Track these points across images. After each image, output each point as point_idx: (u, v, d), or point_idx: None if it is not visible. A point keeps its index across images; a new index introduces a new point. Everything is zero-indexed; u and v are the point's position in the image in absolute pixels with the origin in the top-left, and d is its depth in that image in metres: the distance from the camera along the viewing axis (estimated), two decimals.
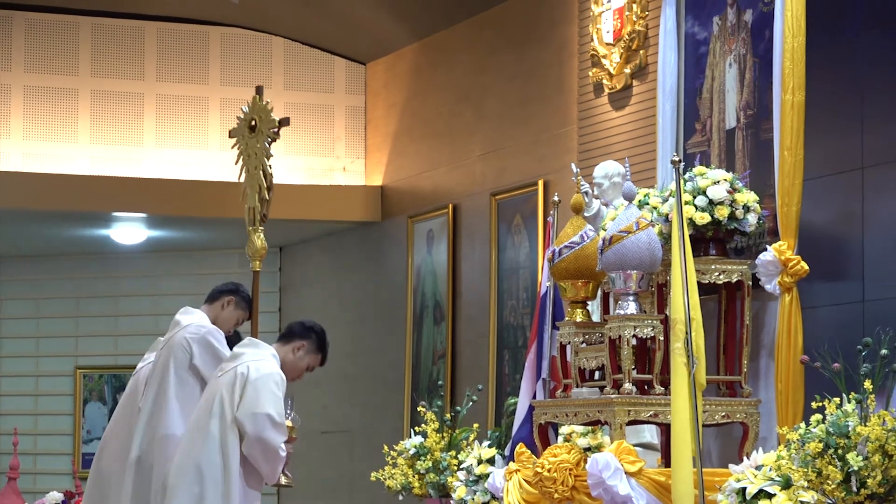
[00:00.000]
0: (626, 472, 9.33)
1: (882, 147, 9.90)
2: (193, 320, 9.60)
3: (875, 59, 10.00)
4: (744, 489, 8.31)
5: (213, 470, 8.85)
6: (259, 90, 9.84)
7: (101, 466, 9.81)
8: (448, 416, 11.38)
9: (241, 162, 9.81)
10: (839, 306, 10.02)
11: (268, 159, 9.67)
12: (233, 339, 9.80)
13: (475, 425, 11.63)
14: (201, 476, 8.87)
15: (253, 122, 9.73)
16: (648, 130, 12.19)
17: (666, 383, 9.74)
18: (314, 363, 9.40)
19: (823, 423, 7.83)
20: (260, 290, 19.23)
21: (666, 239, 9.84)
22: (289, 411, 9.38)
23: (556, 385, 10.65)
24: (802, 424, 8.01)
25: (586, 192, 10.80)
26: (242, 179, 9.75)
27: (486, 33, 15.56)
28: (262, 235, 9.66)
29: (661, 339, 9.76)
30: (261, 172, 9.64)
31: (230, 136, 9.96)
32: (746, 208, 10.07)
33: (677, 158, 9.62)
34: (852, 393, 7.81)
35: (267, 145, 9.66)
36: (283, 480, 9.22)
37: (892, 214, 9.81)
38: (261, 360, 8.99)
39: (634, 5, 12.89)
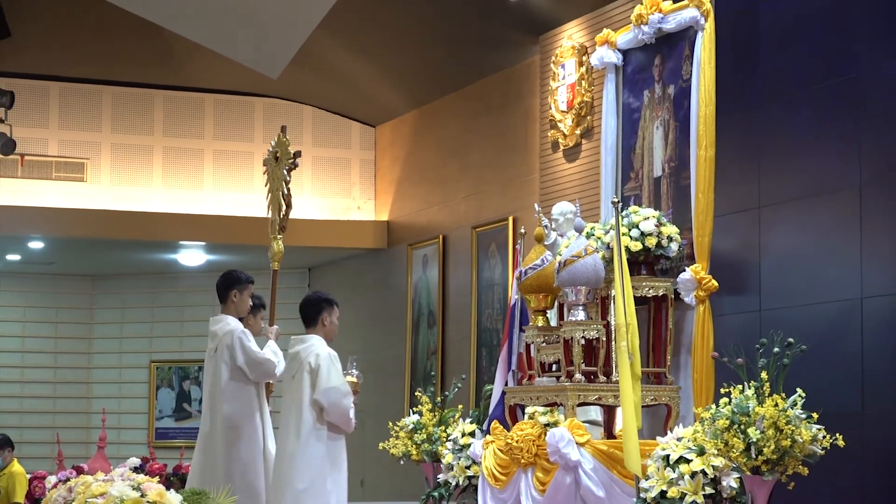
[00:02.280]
0: (576, 443, 9.30)
1: (774, 191, 9.90)
2: (223, 328, 9.29)
3: (770, 125, 10.01)
4: (668, 456, 8.28)
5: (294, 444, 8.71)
6: (283, 129, 9.80)
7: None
8: (439, 399, 11.34)
9: (267, 185, 9.78)
10: (741, 314, 10.01)
11: (286, 183, 9.62)
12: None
13: (460, 406, 11.59)
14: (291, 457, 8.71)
15: (277, 155, 9.71)
16: (594, 178, 12.18)
17: (608, 374, 9.73)
18: (337, 315, 9.18)
19: (729, 404, 7.81)
20: (292, 301, 19.27)
21: (608, 262, 9.83)
22: (353, 370, 9.25)
23: (522, 375, 10.63)
24: (713, 406, 8.00)
25: (546, 226, 10.78)
26: (268, 198, 9.70)
27: (470, 103, 15.56)
28: (280, 242, 9.59)
29: (604, 339, 9.73)
30: (280, 194, 9.60)
31: (263, 165, 9.93)
32: (670, 238, 10.06)
33: (616, 200, 9.62)
34: (752, 381, 7.80)
35: (286, 172, 9.63)
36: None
37: (782, 243, 9.82)
38: (312, 349, 8.81)
39: (583, 81, 12.89)
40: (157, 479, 7.26)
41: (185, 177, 17.30)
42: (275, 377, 9.34)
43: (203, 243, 17.42)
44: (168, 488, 7.08)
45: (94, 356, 19.66)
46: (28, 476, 12.77)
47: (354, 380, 9.25)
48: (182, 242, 17.41)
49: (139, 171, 17.16)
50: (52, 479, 11.77)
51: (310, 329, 9.06)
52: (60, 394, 19.47)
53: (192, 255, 18.20)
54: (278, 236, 9.57)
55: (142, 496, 6.84)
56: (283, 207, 9.59)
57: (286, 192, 9.61)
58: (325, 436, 8.68)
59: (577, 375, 9.64)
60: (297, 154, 9.71)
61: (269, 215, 9.69)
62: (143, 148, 17.20)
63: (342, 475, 8.81)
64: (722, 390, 8.00)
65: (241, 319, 9.55)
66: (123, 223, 16.61)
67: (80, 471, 11.65)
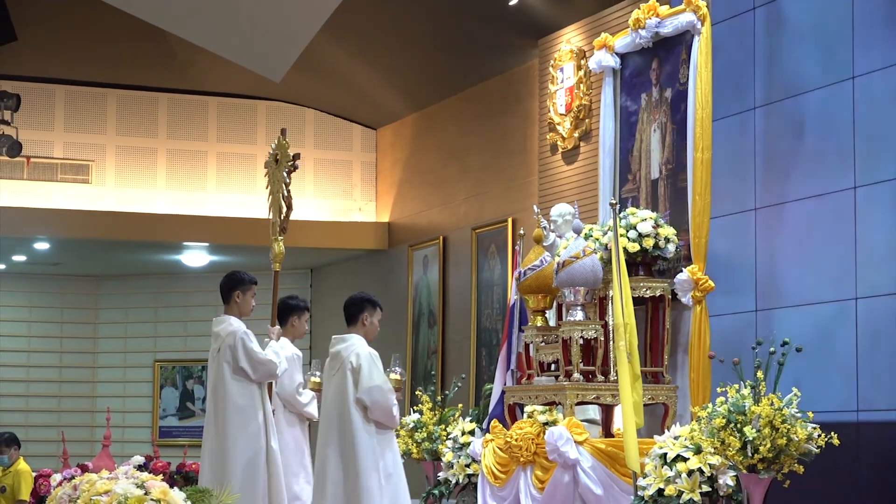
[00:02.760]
0: (575, 441, 9.31)
1: (770, 193, 9.91)
2: (226, 328, 9.31)
3: (766, 128, 10.02)
4: (665, 454, 8.29)
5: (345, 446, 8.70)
6: (283, 132, 9.79)
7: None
8: (439, 398, 11.35)
9: (268, 188, 9.77)
10: (737, 314, 10.02)
11: (286, 185, 9.62)
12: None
13: (460, 405, 11.60)
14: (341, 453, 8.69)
15: (277, 157, 9.70)
16: (592, 180, 12.19)
17: (606, 373, 9.73)
18: (379, 316, 9.19)
19: (726, 403, 7.82)
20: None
21: (606, 263, 9.84)
22: (396, 368, 9.32)
23: (521, 374, 10.63)
24: (710, 405, 8.00)
25: (545, 227, 10.79)
26: (269, 200, 9.69)
27: (469, 105, 15.57)
28: (281, 243, 9.59)
29: (602, 339, 9.74)
30: (280, 195, 9.60)
31: (264, 167, 9.93)
32: (667, 240, 10.06)
33: (614, 201, 9.62)
34: (748, 381, 7.81)
35: (286, 174, 9.63)
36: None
37: (777, 245, 9.83)
38: (353, 348, 8.77)
39: (581, 85, 12.90)
40: (160, 477, 7.26)
41: (189, 179, 17.31)
42: (276, 377, 9.35)
43: (206, 244, 17.43)
44: (172, 486, 7.08)
45: (98, 356, 19.67)
46: (33, 474, 12.78)
47: (398, 377, 9.31)
48: (186, 243, 17.41)
49: (143, 172, 17.17)
50: (57, 477, 11.78)
51: (350, 328, 9.03)
52: (65, 393, 19.48)
53: (195, 256, 18.21)
54: (279, 238, 9.57)
55: (146, 494, 6.85)
56: (284, 209, 9.59)
57: (286, 193, 9.61)
58: (374, 432, 8.67)
59: (576, 375, 9.64)
60: (297, 156, 9.72)
61: (270, 217, 9.69)
62: (147, 150, 17.21)
63: (399, 468, 8.79)
64: (718, 389, 8.01)
65: (286, 330, 9.64)
66: (128, 224, 16.62)
67: (84, 469, 11.66)
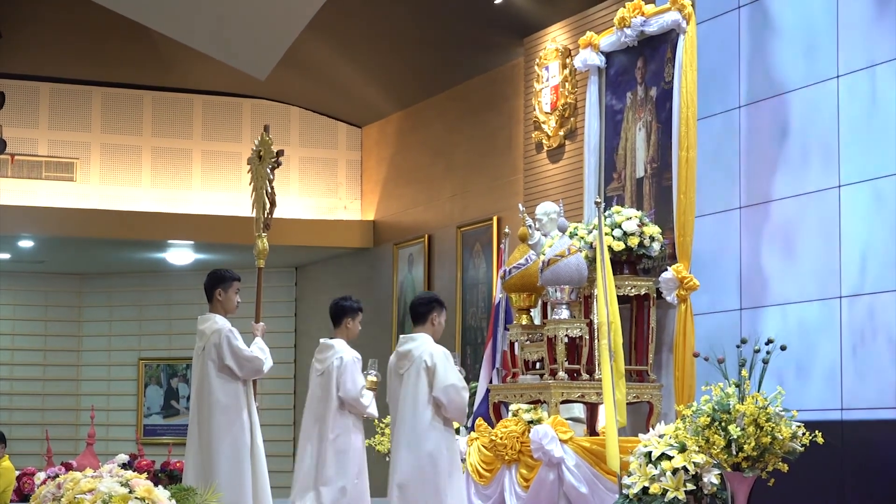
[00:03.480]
0: (559, 440, 9.31)
1: (755, 192, 9.92)
2: (211, 326, 9.28)
3: (751, 127, 10.03)
4: (650, 452, 8.29)
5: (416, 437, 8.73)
6: (266, 129, 9.77)
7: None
8: None
9: (252, 184, 9.75)
10: (722, 313, 10.03)
11: (270, 182, 9.60)
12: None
13: None
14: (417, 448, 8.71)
15: (261, 154, 9.68)
16: (577, 179, 12.19)
17: (591, 371, 9.74)
18: (445, 317, 9.21)
19: (710, 402, 7.82)
20: (280, 300, 19.27)
21: (591, 261, 9.84)
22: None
23: (506, 373, 10.63)
24: (694, 403, 8.00)
25: (530, 226, 10.78)
26: (253, 197, 9.67)
27: (455, 104, 15.57)
28: (265, 240, 9.56)
29: (587, 337, 9.74)
30: (264, 192, 9.57)
31: (247, 164, 9.89)
32: (652, 238, 10.06)
33: (599, 200, 9.63)
34: (732, 379, 7.81)
35: (269, 171, 9.60)
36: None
37: (762, 243, 9.83)
38: (425, 347, 8.79)
39: (567, 83, 12.90)
40: (145, 475, 7.24)
41: (174, 176, 17.28)
42: (262, 374, 9.32)
43: (191, 242, 17.40)
44: (156, 484, 7.05)
45: (83, 354, 19.62)
46: (17, 472, 12.73)
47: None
48: (170, 241, 17.38)
49: (128, 170, 17.14)
50: (41, 476, 11.74)
51: (418, 327, 9.02)
52: (50, 391, 19.43)
53: (180, 254, 18.18)
54: (263, 234, 9.54)
55: (130, 492, 6.82)
56: (268, 206, 9.56)
57: (270, 190, 9.58)
58: (441, 428, 8.71)
59: (561, 373, 9.64)
60: (280, 153, 9.69)
61: (254, 214, 9.66)
62: (132, 148, 17.18)
63: (459, 465, 8.81)
64: (703, 388, 8.01)
65: (339, 331, 9.73)
66: (112, 222, 16.59)
67: (68, 467, 11.62)
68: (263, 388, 10.85)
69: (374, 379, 9.54)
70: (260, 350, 9.22)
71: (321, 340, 9.81)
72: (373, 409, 9.64)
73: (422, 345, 8.79)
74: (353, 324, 9.81)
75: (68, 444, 18.19)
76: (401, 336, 9.14)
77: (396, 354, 8.98)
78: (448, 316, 15.03)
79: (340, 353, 9.63)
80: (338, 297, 10.08)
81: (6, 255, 18.18)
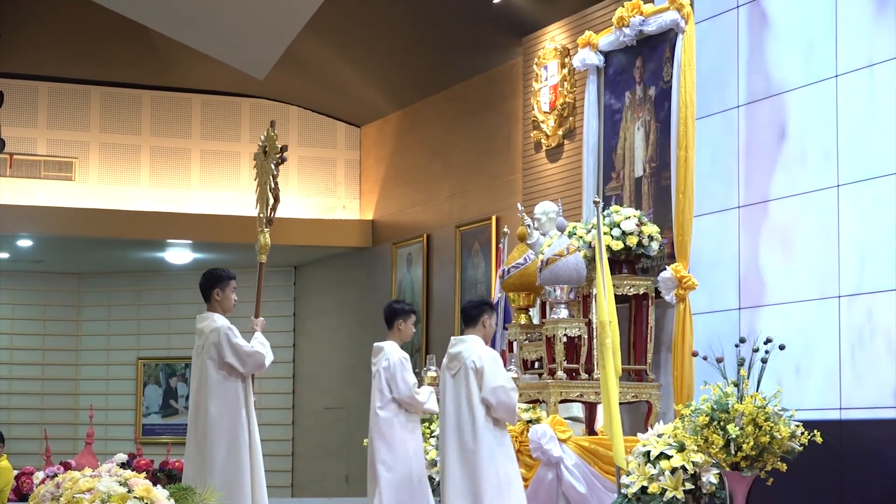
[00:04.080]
0: (558, 439, 9.31)
1: (752, 192, 9.92)
2: (210, 325, 9.27)
3: (749, 126, 10.03)
4: (648, 452, 8.29)
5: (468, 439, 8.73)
6: (272, 124, 9.75)
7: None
8: None
9: (256, 179, 9.74)
10: (721, 312, 10.03)
11: (274, 178, 9.58)
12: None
13: None
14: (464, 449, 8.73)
15: (266, 149, 9.67)
16: (576, 178, 12.19)
17: (589, 371, 9.74)
18: (495, 319, 9.23)
19: (709, 401, 7.82)
20: (278, 299, 19.25)
21: (589, 261, 9.84)
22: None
23: None
24: (693, 403, 8.00)
25: (528, 225, 10.79)
26: (257, 192, 9.66)
27: (453, 104, 15.56)
28: (267, 235, 9.54)
29: (586, 337, 9.74)
30: (268, 187, 9.56)
31: (254, 160, 9.88)
32: (650, 238, 10.07)
33: (598, 199, 9.63)
34: (731, 379, 7.81)
35: (273, 166, 9.58)
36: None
37: (761, 243, 9.83)
38: (474, 349, 8.85)
39: (565, 83, 12.90)
40: (143, 474, 7.24)
41: (173, 176, 17.27)
42: (265, 368, 9.31)
43: (190, 241, 17.39)
44: (155, 484, 7.05)
45: (81, 353, 19.62)
46: (15, 471, 12.72)
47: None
48: (169, 241, 17.37)
49: (127, 170, 17.13)
50: (39, 475, 11.73)
51: (469, 329, 9.03)
52: (48, 390, 19.43)
53: (178, 254, 18.17)
54: (265, 230, 9.54)
55: (129, 492, 6.82)
56: (271, 201, 9.55)
57: (273, 185, 9.58)
58: (492, 428, 8.73)
59: (560, 373, 9.64)
60: (284, 148, 9.68)
61: (257, 209, 9.65)
62: (130, 147, 17.17)
63: (515, 464, 8.83)
64: (701, 387, 8.01)
65: (392, 333, 9.75)
66: (111, 222, 16.58)
67: (67, 467, 11.61)
68: (262, 387, 10.83)
69: (434, 374, 9.57)
70: (261, 344, 9.22)
71: (374, 344, 9.84)
72: (432, 405, 9.63)
73: (471, 347, 8.82)
74: (404, 326, 9.80)
75: (67, 444, 18.18)
76: (452, 337, 9.15)
77: (448, 355, 9.02)
78: (446, 316, 15.14)
79: (388, 355, 9.65)
80: (391, 300, 10.13)
81: (5, 255, 18.18)
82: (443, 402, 8.98)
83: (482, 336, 8.90)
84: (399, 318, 9.78)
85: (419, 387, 9.71)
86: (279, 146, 9.60)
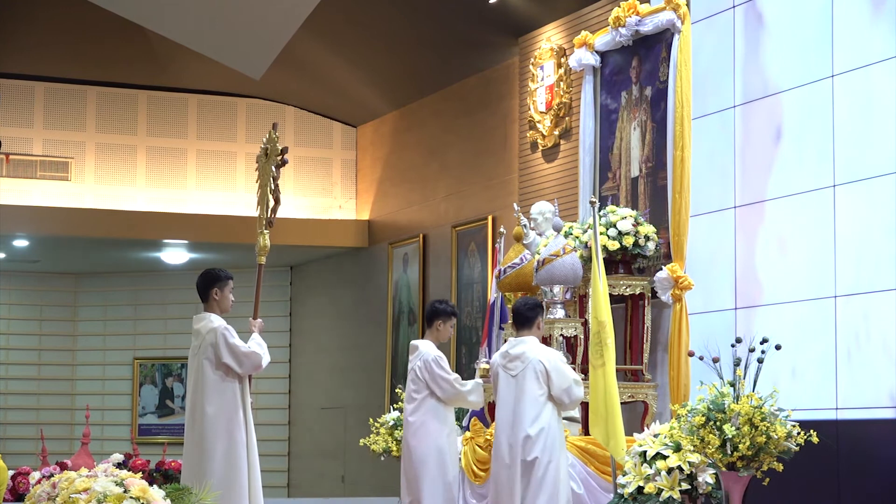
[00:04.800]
0: None
1: (749, 192, 9.92)
2: (207, 325, 9.26)
3: (745, 126, 10.03)
4: (645, 452, 8.29)
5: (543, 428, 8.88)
6: (274, 126, 9.75)
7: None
8: None
9: (258, 181, 9.74)
10: (717, 312, 10.03)
11: (275, 179, 9.58)
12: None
13: None
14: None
15: (267, 151, 9.67)
16: (572, 178, 12.19)
17: (586, 370, 9.73)
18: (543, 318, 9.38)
19: (705, 401, 7.82)
20: (275, 299, 19.23)
21: (585, 261, 9.84)
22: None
23: None
24: (689, 403, 8.00)
25: (525, 225, 10.79)
26: (258, 193, 9.66)
27: (449, 104, 15.56)
28: (266, 236, 9.54)
29: (582, 337, 9.74)
30: (268, 189, 9.56)
31: (256, 162, 9.89)
32: (647, 238, 10.07)
33: (594, 199, 9.62)
34: (727, 379, 7.81)
35: (274, 169, 9.59)
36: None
37: (757, 243, 9.84)
38: (540, 351, 8.94)
39: (562, 83, 12.90)
40: (140, 474, 7.23)
41: (169, 176, 17.26)
42: (262, 368, 9.31)
43: (186, 242, 17.38)
44: (151, 484, 7.04)
45: (77, 353, 19.61)
46: (11, 471, 12.71)
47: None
48: (165, 241, 17.36)
49: (123, 170, 17.12)
50: (35, 475, 11.72)
51: (524, 331, 9.09)
52: (44, 390, 19.42)
53: (175, 254, 18.16)
54: (265, 231, 9.54)
55: (125, 492, 6.81)
56: (272, 203, 9.55)
57: (274, 187, 9.58)
58: (557, 418, 8.92)
59: None
60: (285, 150, 9.68)
61: (258, 210, 9.66)
62: (127, 147, 17.16)
63: (567, 459, 9.08)
64: (698, 387, 8.01)
65: (430, 333, 9.82)
66: (107, 222, 16.57)
67: (63, 467, 11.60)
68: (259, 387, 10.82)
69: (486, 366, 9.76)
70: (258, 345, 9.22)
71: (411, 342, 10.03)
72: (476, 397, 9.67)
73: (534, 348, 8.97)
74: (443, 327, 9.84)
75: (63, 444, 18.17)
76: (510, 338, 9.22)
77: (506, 355, 9.08)
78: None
79: (423, 354, 9.66)
80: (435, 299, 10.42)
81: (1, 255, 18.16)
82: (499, 398, 9.02)
83: (538, 336, 9.02)
84: (439, 318, 9.84)
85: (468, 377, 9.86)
86: (280, 148, 9.61)
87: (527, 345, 8.96)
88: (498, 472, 8.94)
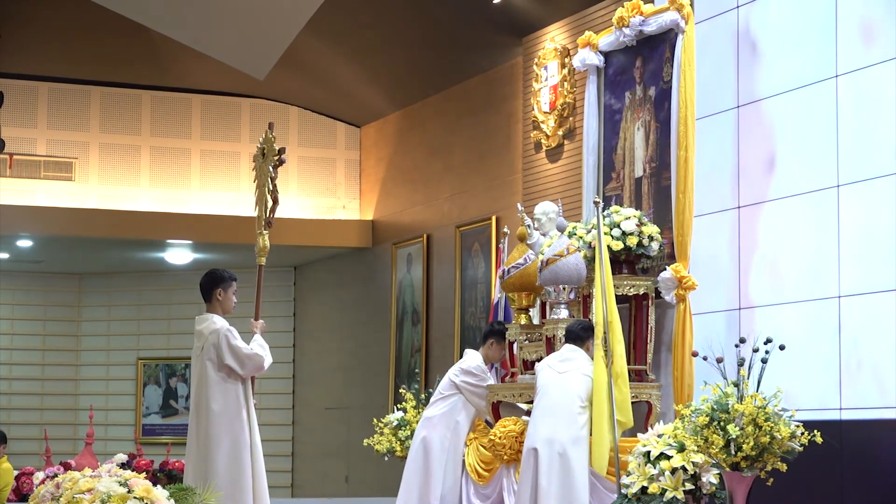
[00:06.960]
0: None
1: (752, 192, 9.92)
2: (209, 327, 9.25)
3: (749, 126, 10.03)
4: (648, 452, 8.29)
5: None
6: (270, 126, 9.75)
7: None
8: (423, 396, 11.33)
9: (255, 182, 9.74)
10: (720, 312, 10.03)
11: (272, 180, 9.58)
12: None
13: None
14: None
15: (264, 151, 9.67)
16: (576, 178, 12.19)
17: None
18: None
19: (709, 401, 7.82)
20: (278, 299, 19.25)
21: (589, 261, 9.84)
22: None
23: (505, 372, 10.63)
24: (693, 403, 8.00)
25: (528, 225, 10.78)
26: (256, 194, 9.66)
27: (453, 104, 15.56)
28: (266, 237, 9.54)
29: None
30: (266, 189, 9.55)
31: (253, 162, 9.88)
32: (651, 238, 10.06)
33: (598, 200, 9.62)
34: (731, 379, 7.81)
35: (271, 169, 9.59)
36: None
37: (761, 243, 9.83)
38: (586, 362, 9.23)
39: (565, 83, 12.90)
40: (143, 475, 7.24)
41: (173, 176, 17.27)
42: (264, 370, 9.31)
43: (190, 242, 17.39)
44: (155, 484, 7.05)
45: (81, 353, 19.62)
46: (16, 472, 12.72)
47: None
48: (169, 241, 17.38)
49: (127, 170, 17.13)
50: (39, 476, 11.73)
51: (576, 349, 9.38)
52: (48, 390, 19.43)
53: (178, 254, 18.17)
54: (264, 232, 9.54)
55: (129, 492, 6.82)
56: (270, 203, 9.55)
57: (271, 187, 9.58)
58: (587, 414, 9.22)
59: None
60: (282, 150, 9.68)
61: (256, 211, 9.65)
62: (130, 147, 17.17)
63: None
64: (701, 388, 8.00)
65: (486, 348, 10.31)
66: (111, 222, 16.58)
67: (67, 467, 11.61)
68: (262, 388, 10.83)
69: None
70: (260, 347, 9.22)
71: (466, 350, 10.65)
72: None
73: (583, 358, 9.31)
74: (495, 346, 10.51)
75: (67, 444, 18.19)
76: (566, 345, 9.43)
77: (559, 356, 9.40)
78: (447, 316, 15.15)
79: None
80: (494, 319, 10.92)
81: (5, 255, 18.18)
82: (545, 393, 9.23)
83: (589, 354, 9.32)
84: (492, 337, 10.47)
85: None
86: (277, 148, 9.60)
87: (578, 353, 9.34)
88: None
